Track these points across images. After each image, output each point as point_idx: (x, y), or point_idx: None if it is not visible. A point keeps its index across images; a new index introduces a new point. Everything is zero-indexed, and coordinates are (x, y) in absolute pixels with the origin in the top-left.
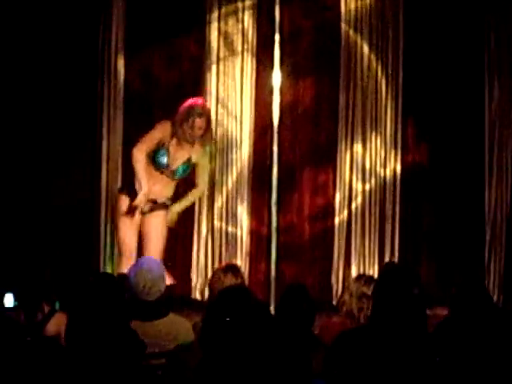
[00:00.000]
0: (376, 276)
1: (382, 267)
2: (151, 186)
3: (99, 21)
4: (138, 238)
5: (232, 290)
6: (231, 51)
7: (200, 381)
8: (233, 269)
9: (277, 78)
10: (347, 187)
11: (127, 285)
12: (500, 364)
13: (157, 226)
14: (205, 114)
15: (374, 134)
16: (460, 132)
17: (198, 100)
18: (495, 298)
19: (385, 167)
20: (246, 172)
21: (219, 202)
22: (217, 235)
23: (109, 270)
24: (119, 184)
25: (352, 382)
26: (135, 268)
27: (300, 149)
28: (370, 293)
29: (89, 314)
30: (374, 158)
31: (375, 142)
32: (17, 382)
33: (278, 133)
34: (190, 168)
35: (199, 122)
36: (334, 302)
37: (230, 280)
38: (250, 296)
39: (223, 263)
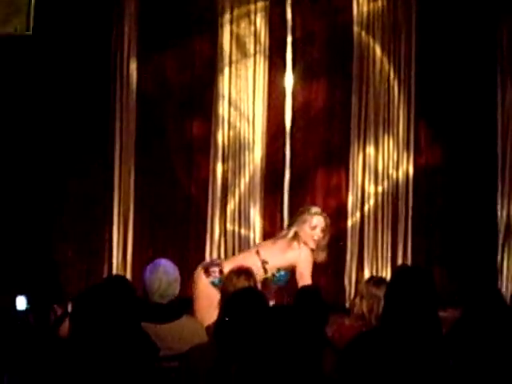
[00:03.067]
0: (388, 278)
1: (395, 269)
2: None
3: (111, 25)
4: None
5: (245, 291)
6: (243, 54)
7: (214, 382)
8: (245, 272)
9: (289, 80)
10: (360, 189)
11: (142, 285)
12: None
13: None
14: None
15: (386, 135)
16: (473, 133)
17: None
18: (508, 300)
19: (397, 169)
20: (258, 174)
21: (232, 205)
22: (229, 238)
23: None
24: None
25: None
26: (151, 269)
27: (312, 151)
28: (379, 293)
29: (100, 316)
30: (387, 160)
31: (388, 144)
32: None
33: (291, 135)
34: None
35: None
36: (347, 305)
37: (242, 283)
38: (263, 298)
39: (236, 266)
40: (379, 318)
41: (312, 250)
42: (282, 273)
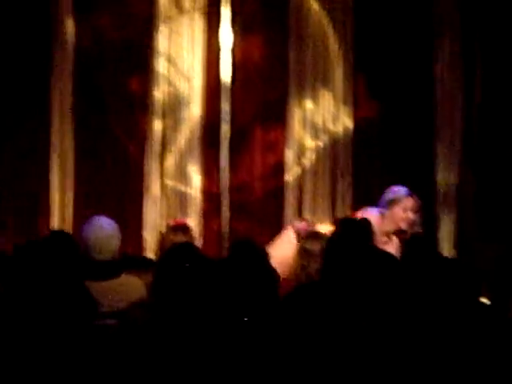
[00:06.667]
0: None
1: (337, 222)
2: None
3: None
4: None
5: (180, 246)
6: (180, 9)
7: (151, 339)
8: (182, 227)
9: (226, 36)
10: (298, 144)
11: (79, 242)
12: (450, 318)
13: None
14: None
15: (325, 90)
16: (410, 88)
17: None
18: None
19: (336, 124)
20: (196, 131)
21: (169, 161)
22: (168, 195)
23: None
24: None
25: (302, 338)
26: (87, 225)
27: (251, 107)
28: (311, 247)
29: (40, 270)
30: (325, 114)
31: (326, 99)
32: None
33: (229, 91)
34: None
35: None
36: None
37: (179, 238)
38: (198, 252)
39: (173, 222)
40: (310, 275)
41: None
42: None
